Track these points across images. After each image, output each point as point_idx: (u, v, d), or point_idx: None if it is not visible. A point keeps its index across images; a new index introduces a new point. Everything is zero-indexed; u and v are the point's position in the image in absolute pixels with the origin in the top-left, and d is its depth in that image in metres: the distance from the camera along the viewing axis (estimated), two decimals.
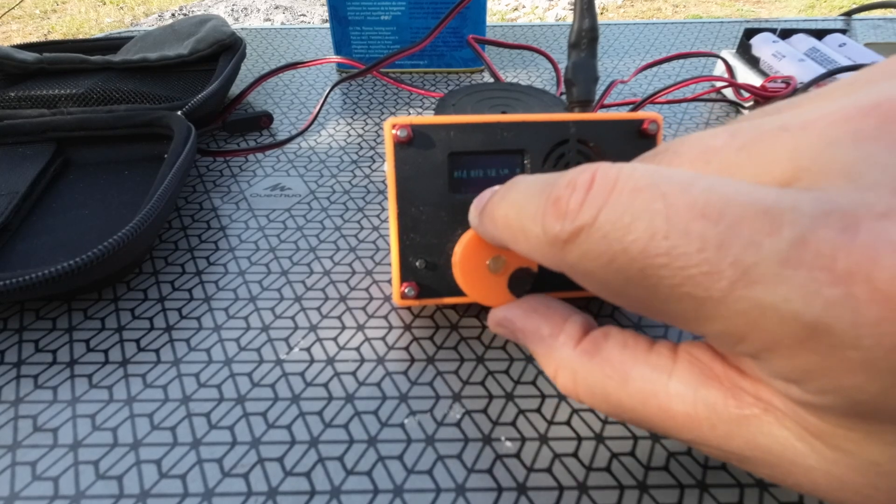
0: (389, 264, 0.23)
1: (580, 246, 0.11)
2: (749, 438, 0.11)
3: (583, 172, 0.11)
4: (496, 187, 0.15)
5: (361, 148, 0.31)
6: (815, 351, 0.09)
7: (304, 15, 2.55)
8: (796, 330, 0.09)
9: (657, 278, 0.10)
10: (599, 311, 0.20)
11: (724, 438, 0.12)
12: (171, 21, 0.56)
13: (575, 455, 0.16)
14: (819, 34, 0.37)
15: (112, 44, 0.40)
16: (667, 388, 0.12)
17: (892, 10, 0.48)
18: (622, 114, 0.18)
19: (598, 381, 0.13)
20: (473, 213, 0.16)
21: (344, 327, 0.20)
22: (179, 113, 0.28)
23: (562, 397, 0.17)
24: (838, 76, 0.30)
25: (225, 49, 0.36)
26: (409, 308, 0.20)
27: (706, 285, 0.09)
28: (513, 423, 0.16)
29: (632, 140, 0.18)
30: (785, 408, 0.10)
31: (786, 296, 0.09)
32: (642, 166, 0.11)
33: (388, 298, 0.21)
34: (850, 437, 0.10)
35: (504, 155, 0.18)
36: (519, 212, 0.13)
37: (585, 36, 0.23)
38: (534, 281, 0.17)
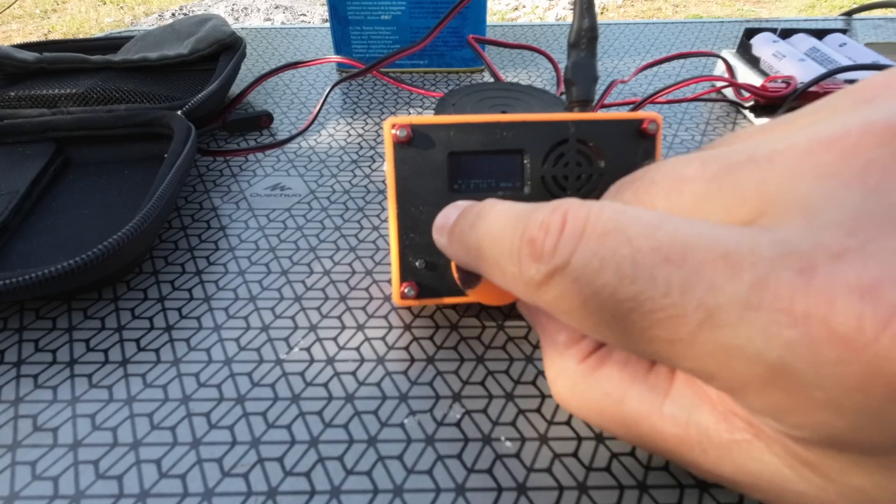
0: (389, 264, 0.23)
1: (555, 288, 0.11)
2: (740, 463, 0.11)
3: (554, 212, 0.12)
4: (460, 204, 0.16)
5: (361, 148, 0.31)
6: (783, 390, 0.09)
7: (304, 14, 2.55)
8: (762, 371, 0.09)
9: (628, 322, 0.10)
10: None
11: (715, 463, 0.12)
12: (171, 21, 0.56)
13: (575, 455, 0.16)
14: (819, 34, 0.37)
15: (112, 43, 0.40)
16: (661, 410, 0.12)
17: (893, 9, 0.48)
18: (622, 113, 0.18)
19: (594, 397, 0.13)
20: (438, 233, 0.16)
21: (344, 327, 0.20)
22: (179, 112, 0.28)
23: None
24: (838, 76, 0.30)
25: (225, 49, 0.36)
26: (409, 308, 0.20)
27: (673, 328, 0.10)
28: (513, 423, 0.16)
29: (631, 140, 0.18)
30: (773, 435, 0.11)
31: (749, 337, 0.09)
32: (610, 206, 0.11)
33: (388, 298, 0.21)
34: (835, 467, 0.10)
35: (504, 155, 0.18)
36: (492, 246, 0.13)
37: (585, 35, 0.23)
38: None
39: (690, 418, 0.12)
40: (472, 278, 0.17)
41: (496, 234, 0.13)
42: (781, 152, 0.11)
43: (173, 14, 2.60)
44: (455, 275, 0.17)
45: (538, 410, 0.17)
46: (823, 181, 0.10)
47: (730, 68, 0.35)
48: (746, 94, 0.33)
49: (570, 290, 0.11)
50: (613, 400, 0.13)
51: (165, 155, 0.24)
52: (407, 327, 0.20)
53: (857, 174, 0.09)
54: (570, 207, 0.11)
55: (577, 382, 0.14)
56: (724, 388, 0.10)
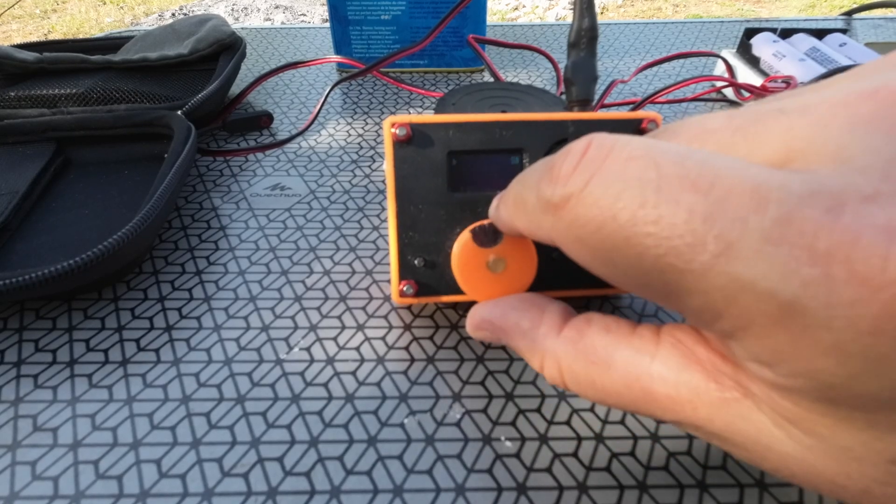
0: (389, 264, 0.23)
1: (571, 211, 0.11)
2: (729, 421, 0.11)
3: (579, 141, 0.11)
4: None
5: (361, 148, 0.31)
6: (788, 331, 0.09)
7: (304, 14, 2.55)
8: (771, 308, 0.09)
9: (643, 247, 0.10)
10: (600, 310, 0.20)
11: (706, 420, 0.12)
12: (171, 21, 0.56)
13: (575, 455, 0.16)
14: (819, 34, 0.37)
15: (112, 43, 0.40)
16: (650, 371, 0.12)
17: (893, 9, 0.48)
18: (621, 113, 0.18)
19: (582, 367, 0.13)
20: (494, 204, 0.16)
21: (344, 327, 0.20)
22: (179, 112, 0.28)
23: (562, 397, 0.17)
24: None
25: (225, 48, 0.36)
26: (409, 308, 0.20)
27: (689, 257, 0.09)
28: (513, 423, 0.16)
29: None
30: (761, 394, 0.11)
31: (765, 273, 0.09)
32: (638, 138, 0.11)
33: (387, 298, 0.21)
34: (823, 423, 0.10)
35: (503, 154, 0.18)
36: (522, 187, 0.13)
37: (585, 35, 0.23)
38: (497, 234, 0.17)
39: (680, 378, 0.12)
40: (487, 237, 0.16)
41: (527, 174, 0.13)
42: (814, 105, 0.10)
43: (173, 14, 2.60)
44: (469, 237, 0.17)
45: (538, 410, 0.17)
46: (857, 129, 0.09)
47: (730, 68, 0.35)
48: (746, 94, 0.33)
49: (586, 213, 0.11)
50: (601, 367, 0.13)
51: (165, 155, 0.24)
52: (407, 327, 0.20)
53: (895, 124, 0.09)
54: (597, 136, 0.11)
55: (562, 358, 0.14)
56: (727, 329, 0.10)
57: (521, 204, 0.13)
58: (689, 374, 0.12)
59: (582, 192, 0.11)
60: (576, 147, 0.11)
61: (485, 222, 0.17)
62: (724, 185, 0.09)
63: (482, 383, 0.18)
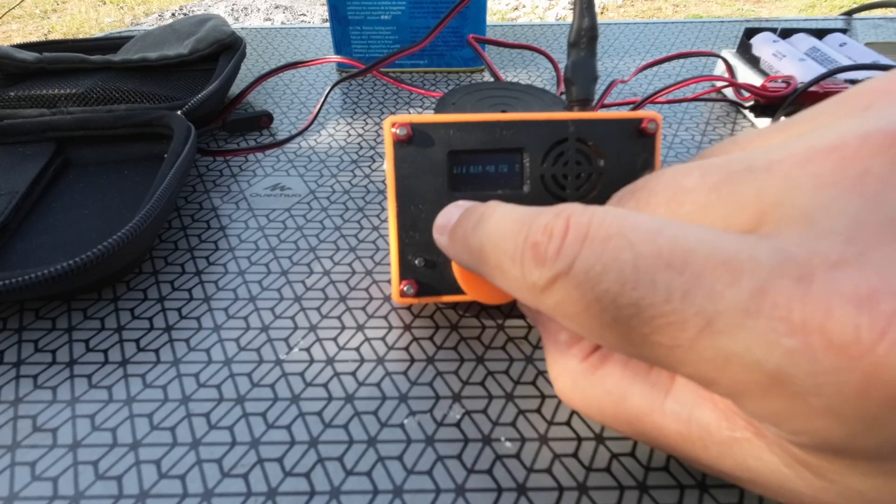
0: (389, 264, 0.23)
1: (557, 292, 0.11)
2: (740, 461, 0.11)
3: (558, 217, 0.12)
4: (461, 203, 0.16)
5: (361, 148, 0.31)
6: (782, 397, 0.09)
7: (304, 14, 2.55)
8: (760, 378, 0.09)
9: (628, 327, 0.10)
10: None
11: (716, 459, 0.12)
12: (171, 21, 0.56)
13: (575, 455, 0.16)
14: (819, 34, 0.37)
15: (112, 43, 0.40)
16: (663, 407, 0.13)
17: (893, 9, 0.48)
18: (621, 113, 0.18)
19: (596, 395, 0.14)
20: (439, 233, 0.16)
21: (344, 327, 0.20)
22: (179, 112, 0.28)
23: None
24: (839, 76, 0.30)
25: (225, 48, 0.36)
26: (409, 308, 0.20)
27: (673, 335, 0.10)
28: (513, 424, 0.16)
29: (631, 139, 0.18)
30: (772, 436, 0.11)
31: (748, 345, 0.09)
32: (612, 212, 0.11)
33: (387, 298, 0.21)
34: (834, 469, 0.10)
35: (503, 153, 0.18)
36: (495, 249, 0.13)
37: (585, 35, 0.23)
38: None
39: (692, 415, 0.12)
40: None
41: (499, 237, 0.13)
42: (779, 161, 0.11)
43: (173, 14, 2.61)
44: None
45: (538, 411, 0.17)
46: (821, 190, 0.10)
47: (730, 68, 0.35)
48: (746, 94, 0.33)
49: (572, 294, 0.11)
50: (615, 398, 0.13)
51: (165, 155, 0.24)
52: (407, 327, 0.20)
53: (855, 183, 0.09)
54: (574, 212, 0.12)
55: (579, 380, 0.14)
56: (724, 394, 0.10)
57: (497, 268, 0.13)
58: (700, 412, 0.12)
59: (567, 275, 0.11)
60: (557, 226, 0.12)
61: None
62: (698, 261, 0.10)
63: (482, 383, 0.18)
